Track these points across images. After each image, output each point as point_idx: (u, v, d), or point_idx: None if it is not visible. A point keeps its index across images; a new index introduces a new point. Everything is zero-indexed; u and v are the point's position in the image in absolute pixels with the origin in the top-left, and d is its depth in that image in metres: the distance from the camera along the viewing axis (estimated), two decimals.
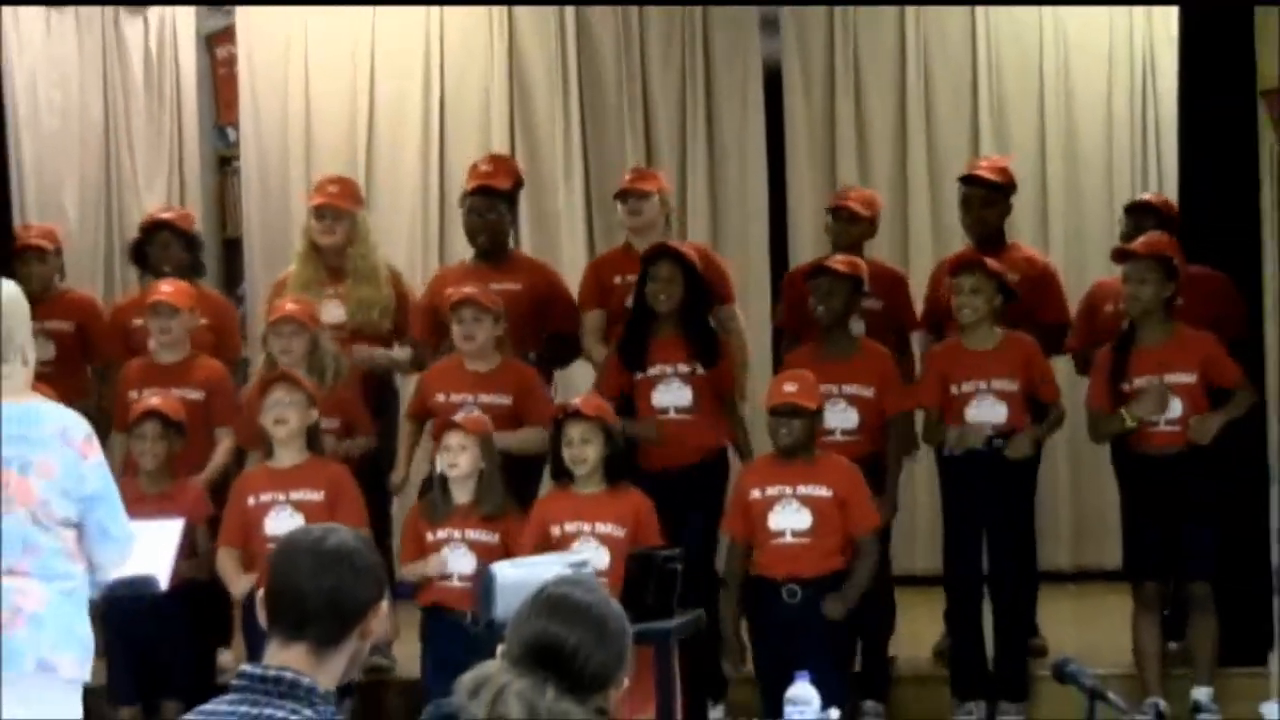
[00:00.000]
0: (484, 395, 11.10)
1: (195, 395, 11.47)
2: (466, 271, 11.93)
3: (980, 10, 14.44)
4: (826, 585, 10.53)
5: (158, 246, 12.16)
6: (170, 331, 11.50)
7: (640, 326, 11.34)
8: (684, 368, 11.24)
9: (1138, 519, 11.11)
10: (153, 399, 11.08)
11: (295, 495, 10.68)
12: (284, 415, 10.69)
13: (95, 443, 7.82)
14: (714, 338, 11.32)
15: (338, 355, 11.36)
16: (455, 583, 10.40)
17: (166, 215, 12.62)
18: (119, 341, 12.00)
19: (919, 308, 12.25)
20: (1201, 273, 11.16)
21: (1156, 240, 11.06)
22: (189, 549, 10.15)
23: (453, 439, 10.46)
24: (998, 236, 12.02)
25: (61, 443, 7.68)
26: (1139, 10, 14.18)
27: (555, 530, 10.42)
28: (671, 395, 11.26)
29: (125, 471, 10.59)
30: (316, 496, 10.66)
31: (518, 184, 12.32)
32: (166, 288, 11.55)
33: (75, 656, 7.68)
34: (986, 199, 11.99)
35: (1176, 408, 10.89)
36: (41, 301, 10.97)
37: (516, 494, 10.76)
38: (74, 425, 7.76)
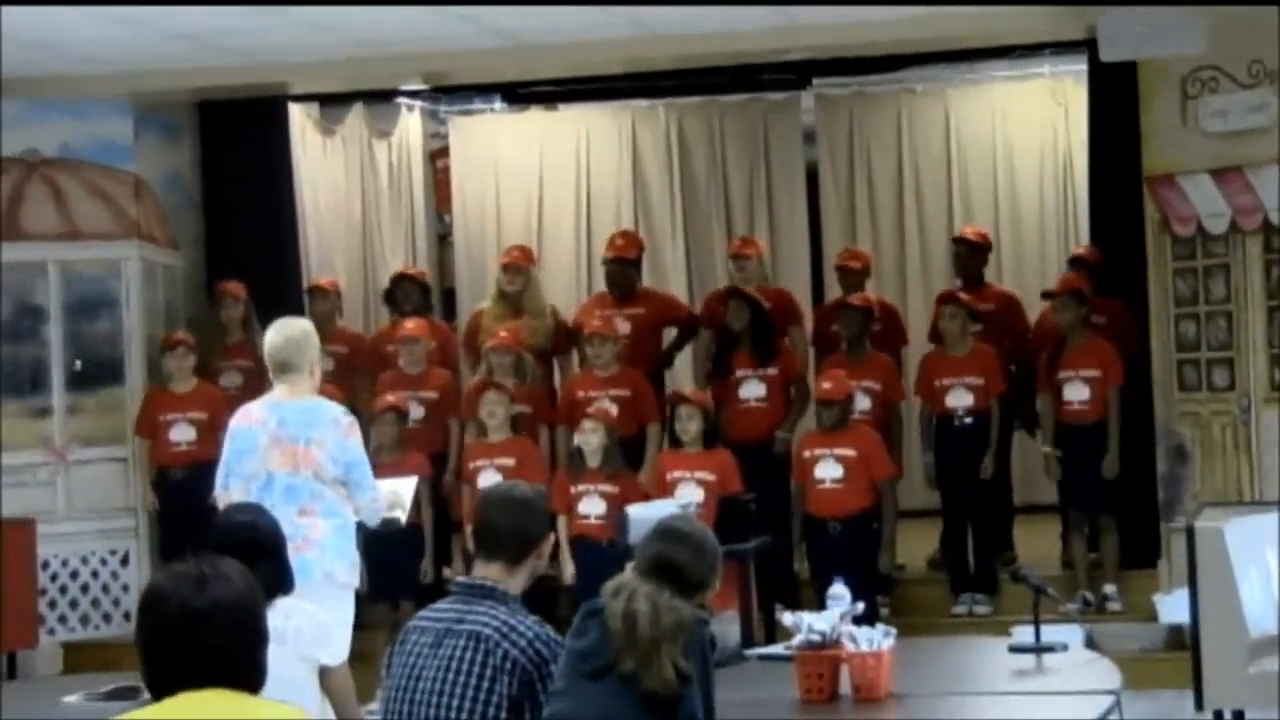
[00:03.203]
0: (610, 390, 11.10)
1: (432, 395, 11.50)
2: (608, 300, 11.96)
3: (953, 122, 14.38)
4: (856, 521, 10.51)
5: (402, 293, 12.24)
6: (414, 353, 11.54)
7: (726, 343, 11.34)
8: (758, 369, 11.24)
9: (1065, 469, 11.06)
10: (389, 397, 11.09)
11: (498, 461, 10.70)
12: (494, 410, 10.75)
13: (356, 427, 7.88)
14: (775, 347, 11.30)
15: (532, 365, 11.41)
16: (592, 520, 10.39)
17: (409, 271, 12.80)
18: (376, 360, 12.04)
19: (909, 328, 12.39)
20: (1110, 303, 11.12)
21: (1069, 280, 11.21)
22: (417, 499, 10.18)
23: (587, 424, 10.48)
24: (979, 279, 12.02)
25: (333, 426, 7.75)
26: (1059, 117, 14.08)
27: (669, 475, 10.44)
28: (750, 390, 11.25)
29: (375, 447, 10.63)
30: (510, 462, 10.66)
31: (641, 250, 12.32)
32: (410, 324, 11.64)
33: (346, 568, 7.75)
34: (971, 253, 12.02)
35: (1085, 392, 10.88)
36: (326, 333, 11.03)
37: (628, 460, 10.75)
38: (341, 414, 7.85)
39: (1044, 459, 11.24)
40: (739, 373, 11.25)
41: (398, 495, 8.35)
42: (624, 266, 11.94)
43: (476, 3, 9.89)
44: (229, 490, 7.76)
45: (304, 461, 7.69)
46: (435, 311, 13.16)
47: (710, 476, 10.35)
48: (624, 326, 11.63)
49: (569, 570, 10.44)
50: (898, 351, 12.00)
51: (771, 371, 11.24)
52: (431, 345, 11.82)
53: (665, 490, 10.22)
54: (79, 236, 11.83)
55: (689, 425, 10.47)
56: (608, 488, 10.41)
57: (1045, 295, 11.41)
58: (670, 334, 12.17)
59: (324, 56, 11.14)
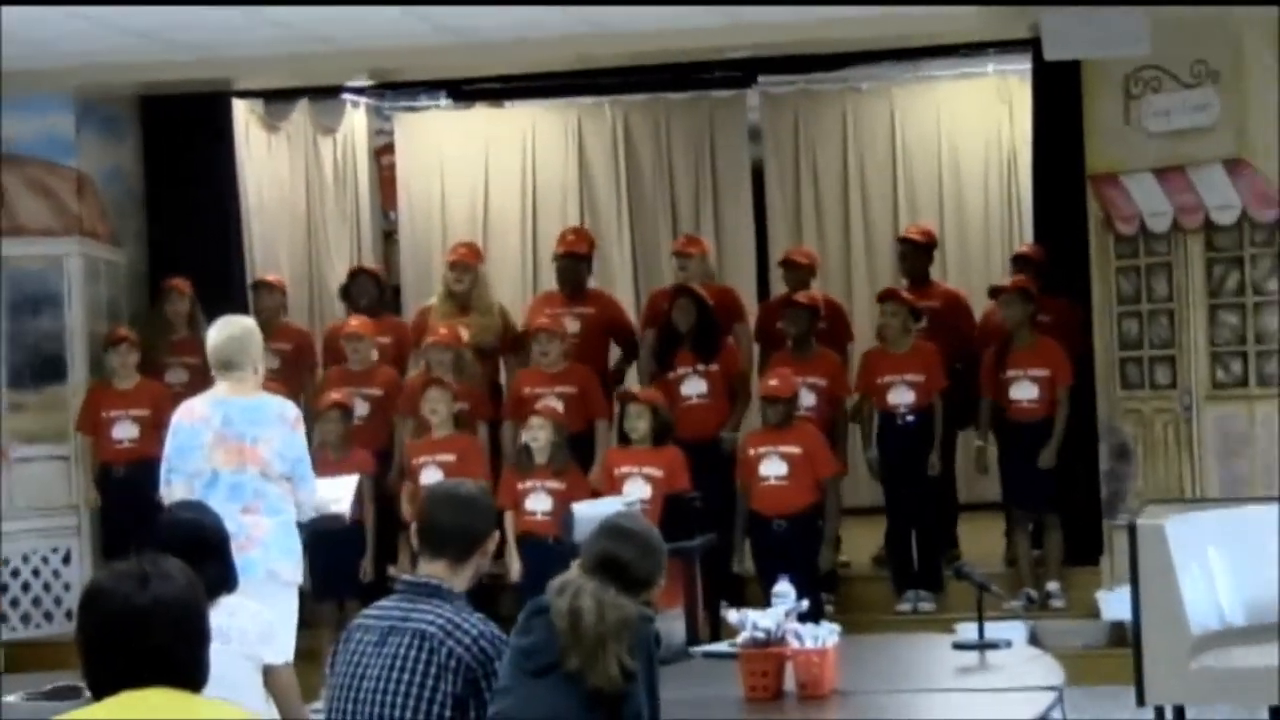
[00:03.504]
0: (558, 387, 11.09)
1: (377, 393, 11.48)
2: (557, 299, 11.95)
3: (898, 120, 14.41)
4: (800, 519, 10.53)
5: (358, 288, 12.25)
6: (359, 351, 11.52)
7: (669, 340, 11.34)
8: (700, 366, 11.25)
9: (1010, 468, 11.10)
10: (334, 394, 11.06)
11: (439, 458, 10.67)
12: (436, 407, 10.73)
13: (301, 423, 7.88)
14: (718, 345, 11.31)
15: (472, 362, 11.39)
16: (539, 517, 10.38)
17: (366, 266, 12.98)
18: (329, 355, 12.07)
19: (855, 326, 12.44)
20: (1056, 301, 11.15)
21: (1018, 279, 11.18)
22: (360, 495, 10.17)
23: (534, 420, 10.47)
24: (924, 277, 12.06)
25: (280, 423, 7.74)
26: (1004, 115, 14.12)
27: (616, 471, 10.44)
28: (691, 387, 11.26)
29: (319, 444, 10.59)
30: (453, 459, 10.64)
31: (591, 247, 12.33)
32: (355, 321, 11.63)
33: (291, 566, 7.74)
34: (915, 252, 12.05)
35: (1034, 391, 10.91)
36: (271, 329, 11.03)
37: (576, 457, 10.75)
38: (288, 410, 7.85)
39: (976, 453, 11.29)
40: (680, 370, 11.26)
41: (340, 493, 8.34)
42: (575, 262, 11.95)
43: (427, 1, 9.86)
44: (171, 487, 7.73)
45: (250, 459, 7.67)
46: (391, 307, 13.16)
47: (658, 473, 10.35)
48: (573, 325, 11.65)
49: (515, 567, 10.42)
50: (844, 349, 12.01)
51: (713, 368, 11.25)
52: (377, 342, 11.82)
53: (614, 487, 10.23)
54: (20, 232, 11.75)
55: (638, 423, 10.47)
56: (555, 484, 10.40)
57: (993, 292, 11.44)
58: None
59: (273, 52, 11.10)
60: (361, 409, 11.32)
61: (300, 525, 7.89)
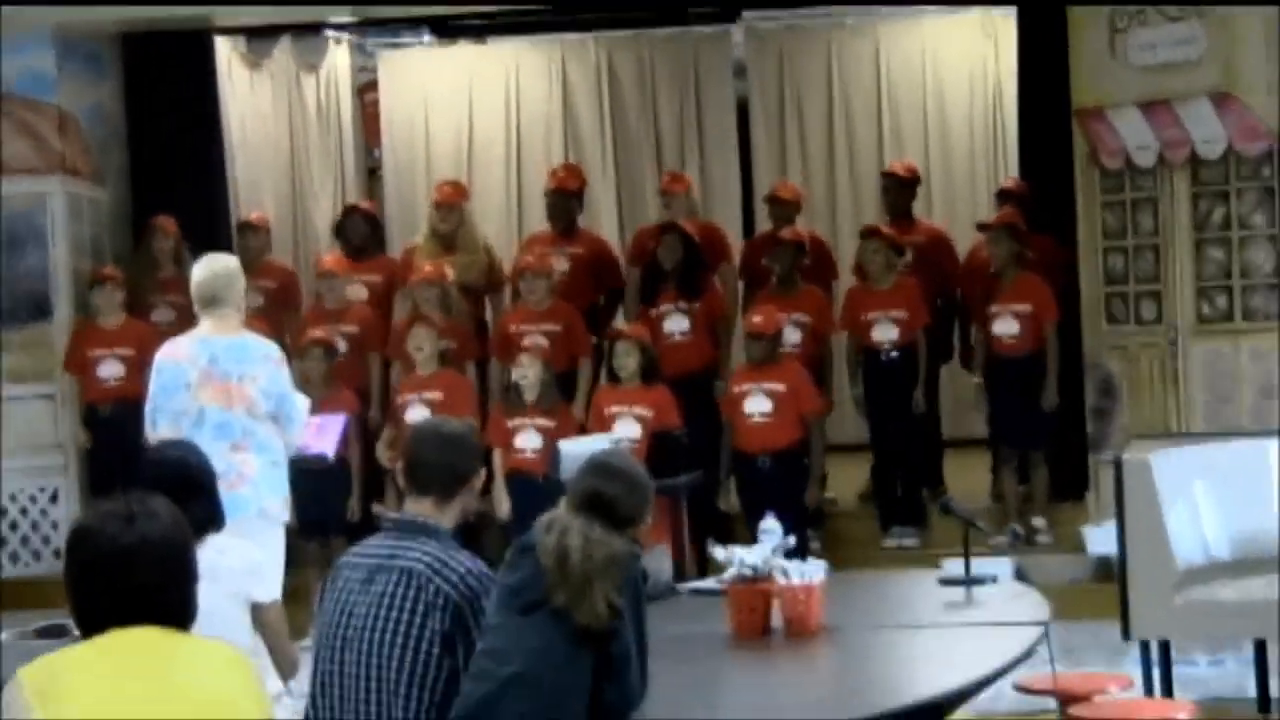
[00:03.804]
0: (543, 325, 11.08)
1: (353, 330, 11.45)
2: (547, 239, 11.93)
3: (883, 56, 14.37)
4: (785, 455, 10.54)
5: (351, 226, 12.18)
6: (334, 289, 11.50)
7: (653, 277, 11.33)
8: (683, 304, 11.24)
9: (996, 404, 11.11)
10: (316, 331, 11.04)
11: (426, 395, 10.66)
12: (421, 344, 10.71)
13: (284, 362, 7.89)
14: (702, 284, 11.31)
15: (458, 299, 11.37)
16: (528, 455, 10.38)
17: (360, 204, 12.86)
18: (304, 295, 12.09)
19: (840, 263, 12.37)
20: (1041, 238, 11.14)
21: (1006, 214, 11.19)
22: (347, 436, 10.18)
23: (524, 358, 10.47)
24: (907, 213, 12.04)
25: (265, 361, 7.76)
26: (989, 51, 14.09)
27: (606, 410, 10.42)
28: (674, 324, 11.25)
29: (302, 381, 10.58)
30: (438, 396, 10.64)
31: (583, 183, 12.32)
32: (328, 259, 11.64)
33: (279, 503, 7.75)
34: (899, 188, 12.03)
35: (1015, 326, 10.91)
36: (256, 267, 11.01)
37: (565, 392, 10.76)
38: (272, 350, 7.87)
39: (975, 390, 11.29)
40: (663, 307, 11.24)
41: (325, 432, 8.36)
42: (565, 198, 11.95)
43: None
44: (158, 428, 7.73)
45: (237, 397, 7.68)
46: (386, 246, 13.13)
47: (648, 412, 10.34)
48: (561, 264, 11.64)
49: (504, 505, 10.43)
50: (829, 286, 12.00)
51: (696, 306, 11.24)
52: (366, 281, 11.83)
53: (603, 425, 10.21)
54: (2, 170, 11.70)
55: (627, 361, 10.43)
56: (544, 422, 10.40)
57: (981, 227, 11.42)
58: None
59: None
60: (339, 347, 11.30)
61: (290, 464, 7.89)
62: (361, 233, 12.13)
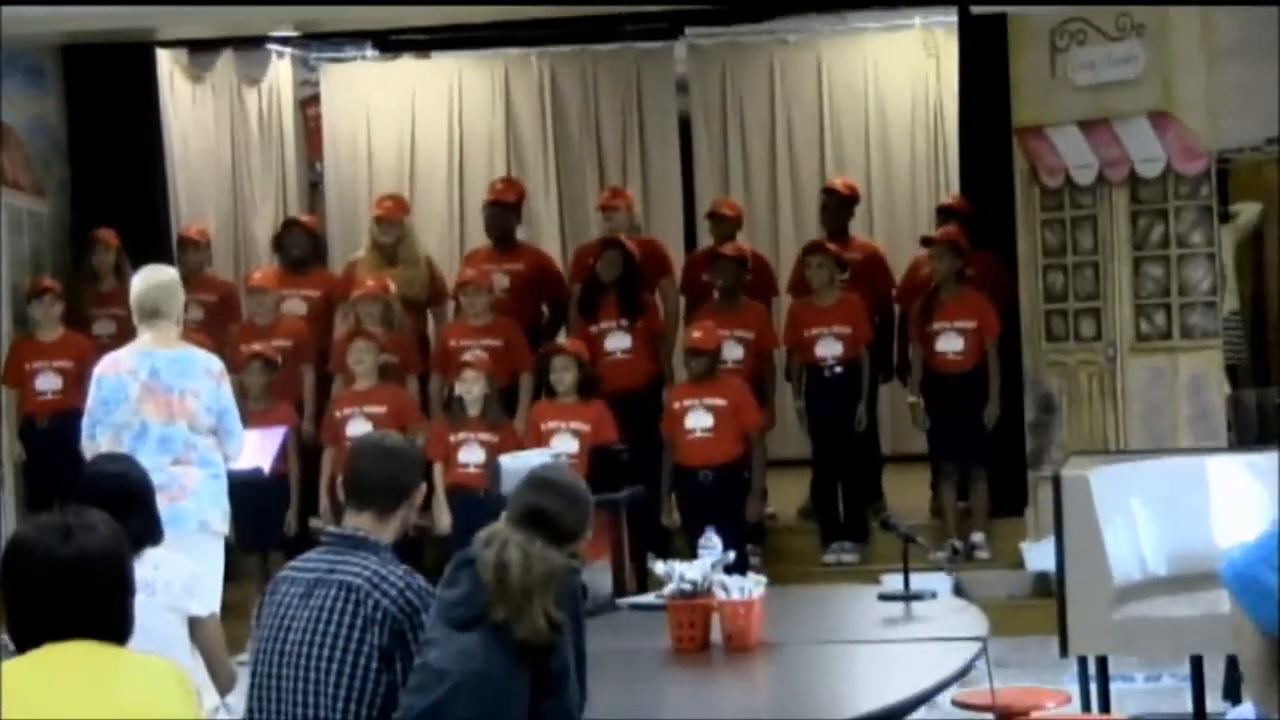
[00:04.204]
0: (484, 340, 11.06)
1: (286, 344, 11.39)
2: (488, 254, 11.91)
3: (825, 73, 14.40)
4: (726, 470, 10.55)
5: (290, 239, 12.12)
6: (263, 304, 11.48)
7: (594, 293, 11.32)
8: (624, 321, 11.24)
9: (937, 421, 11.13)
10: (255, 345, 10.99)
11: (368, 409, 10.64)
12: (362, 358, 10.70)
13: (225, 376, 7.88)
14: (642, 300, 11.32)
15: (400, 314, 11.35)
16: (471, 469, 10.36)
17: (299, 218, 12.76)
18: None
19: (780, 280, 12.38)
20: (981, 254, 11.17)
21: (949, 231, 11.19)
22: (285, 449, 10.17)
23: (468, 373, 10.44)
24: (843, 231, 12.05)
25: (206, 375, 7.73)
26: (931, 68, 14.13)
27: (543, 425, 10.43)
28: (615, 341, 11.25)
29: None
30: (381, 410, 10.62)
31: (521, 197, 12.29)
32: (257, 275, 11.59)
33: (220, 517, 7.75)
34: (838, 205, 12.05)
35: (959, 343, 10.93)
36: (196, 281, 10.98)
37: (506, 408, 10.76)
38: (213, 362, 7.86)
39: (910, 409, 11.32)
40: (604, 324, 11.24)
41: (263, 446, 8.34)
42: (502, 210, 11.94)
43: None
44: (96, 440, 7.69)
45: (179, 411, 7.67)
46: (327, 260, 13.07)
47: (585, 427, 10.35)
48: (502, 281, 11.66)
49: (444, 520, 10.41)
50: (769, 301, 12.02)
51: (638, 325, 11.24)
52: (305, 296, 11.78)
53: (540, 441, 10.21)
54: None
55: (564, 376, 10.45)
56: (487, 437, 10.39)
57: (925, 241, 11.45)
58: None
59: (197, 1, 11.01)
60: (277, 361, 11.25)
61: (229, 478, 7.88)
62: (302, 246, 12.08)
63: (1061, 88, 10.62)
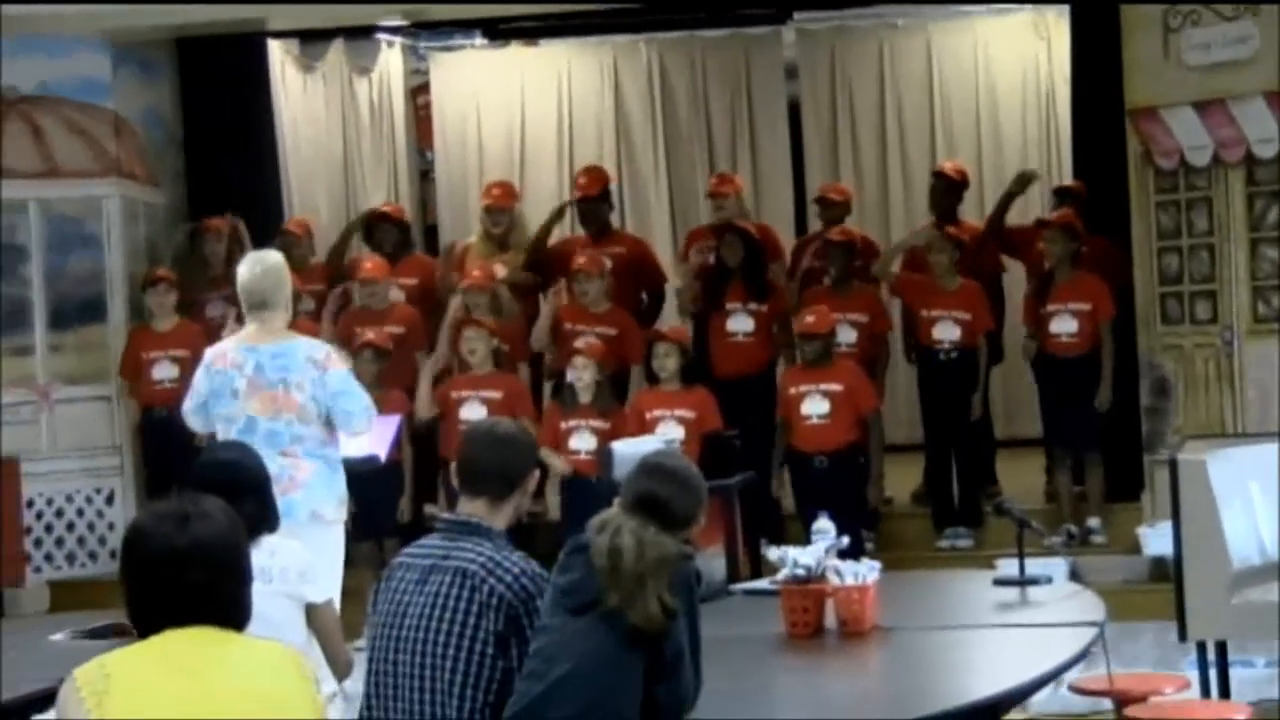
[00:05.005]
0: (598, 328, 11.05)
1: (399, 330, 11.38)
2: (586, 244, 11.89)
3: (934, 57, 14.32)
4: (841, 456, 10.51)
5: (380, 232, 12.11)
6: (375, 294, 11.43)
7: (718, 278, 11.29)
8: (751, 305, 11.20)
9: (1050, 404, 11.06)
10: (368, 334, 10.98)
11: (483, 394, 10.64)
12: (475, 347, 10.67)
13: (335, 357, 7.80)
14: (768, 283, 11.29)
15: (510, 301, 11.34)
16: (582, 456, 10.36)
17: (386, 209, 12.58)
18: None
19: None
20: (1095, 239, 11.07)
21: (1063, 215, 11.11)
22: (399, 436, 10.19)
23: (579, 360, 10.43)
24: (952, 214, 11.97)
25: (309, 366, 7.65)
26: (1042, 51, 14.03)
27: (647, 413, 10.40)
28: (738, 324, 11.22)
29: None
30: (497, 395, 10.62)
31: (604, 184, 12.18)
32: (369, 264, 11.55)
33: (334, 505, 7.70)
34: (947, 188, 11.96)
35: (1074, 325, 10.85)
36: (301, 271, 11.00)
37: (616, 396, 10.73)
38: (316, 351, 7.75)
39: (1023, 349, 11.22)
40: (729, 306, 11.21)
41: (378, 434, 8.32)
42: (592, 204, 11.88)
43: None
44: (196, 417, 7.72)
45: (284, 405, 7.61)
46: (417, 247, 13.06)
47: (689, 414, 10.32)
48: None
49: (556, 506, 10.42)
50: (879, 286, 11.96)
51: (762, 308, 11.22)
52: (402, 284, 11.73)
53: (645, 428, 10.18)
54: (59, 174, 11.76)
55: (666, 362, 10.42)
56: (599, 424, 10.37)
57: (1040, 223, 11.36)
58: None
59: None
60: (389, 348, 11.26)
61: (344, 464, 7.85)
62: (391, 238, 12.04)
63: (1175, 69, 10.50)
